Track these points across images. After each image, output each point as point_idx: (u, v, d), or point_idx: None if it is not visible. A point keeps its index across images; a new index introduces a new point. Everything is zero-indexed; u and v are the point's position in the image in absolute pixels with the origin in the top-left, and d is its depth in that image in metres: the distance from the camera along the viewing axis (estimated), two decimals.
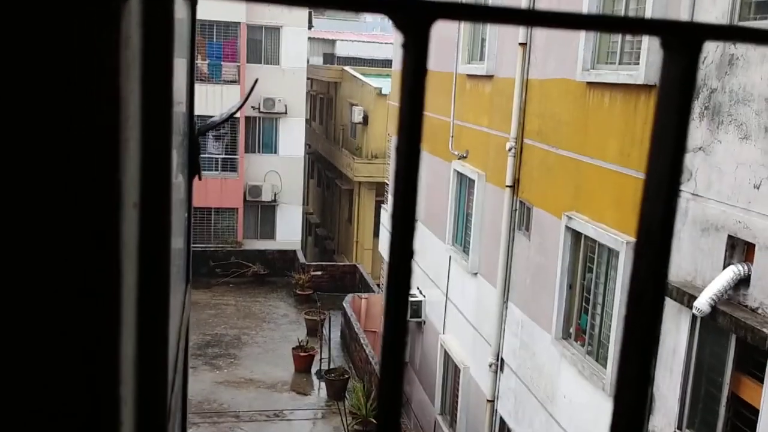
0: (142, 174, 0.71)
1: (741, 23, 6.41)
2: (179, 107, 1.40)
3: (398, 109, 0.43)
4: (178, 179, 1.44)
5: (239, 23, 25.29)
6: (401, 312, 0.42)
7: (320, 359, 17.41)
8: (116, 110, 0.51)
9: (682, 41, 0.41)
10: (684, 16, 6.94)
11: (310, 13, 27.21)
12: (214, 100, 24.16)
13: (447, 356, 13.39)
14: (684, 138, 0.43)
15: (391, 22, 0.43)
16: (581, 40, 8.82)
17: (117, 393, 0.58)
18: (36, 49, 0.49)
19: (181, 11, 1.27)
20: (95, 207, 0.53)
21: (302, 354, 17.61)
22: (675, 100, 0.42)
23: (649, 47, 7.49)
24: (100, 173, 0.52)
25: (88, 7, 0.48)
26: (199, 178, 1.71)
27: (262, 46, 26.16)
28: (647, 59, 7.51)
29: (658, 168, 0.44)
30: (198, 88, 27.62)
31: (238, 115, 25.11)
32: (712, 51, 6.62)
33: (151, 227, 0.75)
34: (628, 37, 8.28)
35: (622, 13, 8.28)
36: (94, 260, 0.54)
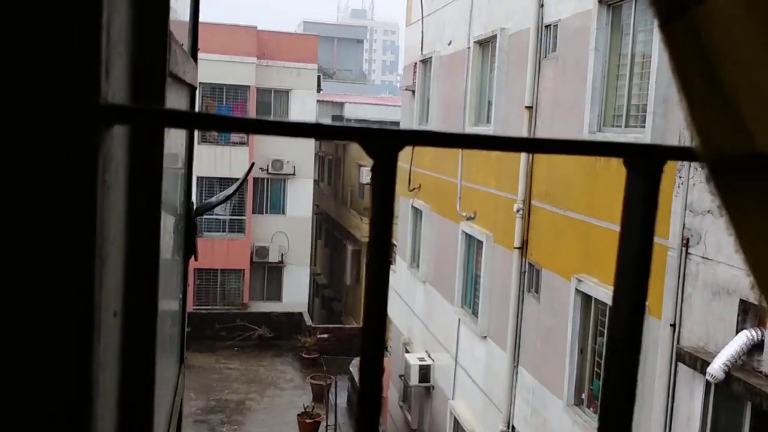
0: (126, 285, 0.71)
1: None
2: (177, 192, 1.40)
3: (369, 224, 0.44)
4: (174, 260, 1.43)
5: (249, 86, 25.80)
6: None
7: (326, 426, 17.08)
8: (91, 232, 0.50)
9: (645, 163, 0.42)
10: None
11: (318, 77, 27.76)
12: (222, 162, 24.47)
13: (457, 423, 13.10)
14: (649, 251, 0.44)
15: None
16: (587, 102, 8.92)
17: None
18: (5, 172, 0.49)
19: (179, 100, 1.29)
20: (67, 313, 0.52)
21: (308, 421, 17.28)
22: (639, 217, 0.43)
23: (655, 110, 7.55)
24: (72, 287, 0.52)
25: (66, 136, 0.48)
26: (195, 259, 1.70)
27: (271, 108, 26.62)
28: (653, 122, 7.56)
29: (625, 280, 0.44)
30: (207, 149, 27.71)
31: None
32: None
33: (136, 334, 0.74)
34: (634, 101, 8.37)
35: (629, 55, 8.36)
36: (66, 368, 0.53)
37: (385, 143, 0.39)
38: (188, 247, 1.64)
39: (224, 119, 0.40)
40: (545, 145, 0.42)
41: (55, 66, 0.48)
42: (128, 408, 0.77)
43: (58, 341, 0.50)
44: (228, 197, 2.38)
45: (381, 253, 0.42)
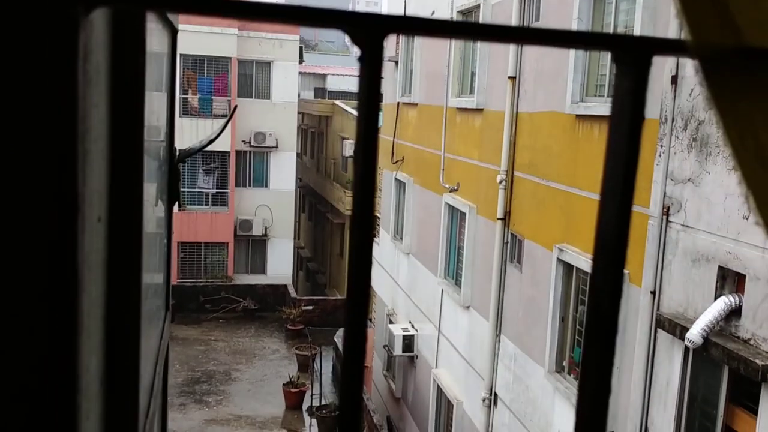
0: (110, 189, 0.70)
1: None
2: (159, 135, 1.39)
3: (356, 119, 0.44)
4: (157, 206, 1.42)
5: (230, 58, 25.50)
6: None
7: (312, 395, 17.21)
8: (73, 122, 0.49)
9: (633, 55, 0.41)
10: (671, 29, 6.97)
11: (300, 48, 27.49)
12: (204, 134, 24.22)
13: (440, 391, 13.25)
14: (636, 150, 0.44)
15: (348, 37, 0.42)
16: (570, 73, 8.91)
17: (75, 403, 0.56)
18: None
19: (161, 42, 1.27)
20: (51, 217, 0.52)
21: (293, 390, 17.40)
22: (627, 113, 0.42)
23: None
24: (54, 184, 0.51)
25: (44, 19, 0.47)
26: (179, 206, 1.70)
27: (253, 80, 26.35)
28: None
29: (613, 178, 0.44)
30: (189, 122, 27.32)
31: (229, 149, 25.18)
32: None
33: (121, 241, 0.74)
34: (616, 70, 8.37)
35: (612, 24, 8.35)
36: (51, 269, 0.54)
37: (371, 28, 0.39)
38: (172, 193, 1.63)
39: None
40: (533, 35, 0.42)
41: None
42: (113, 347, 0.76)
43: (41, 235, 0.49)
44: (211, 141, 2.38)
45: (367, 153, 0.42)
